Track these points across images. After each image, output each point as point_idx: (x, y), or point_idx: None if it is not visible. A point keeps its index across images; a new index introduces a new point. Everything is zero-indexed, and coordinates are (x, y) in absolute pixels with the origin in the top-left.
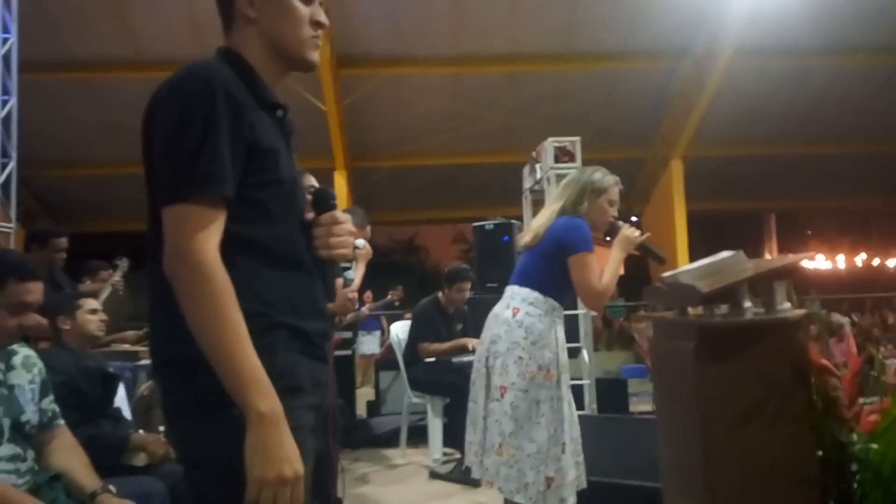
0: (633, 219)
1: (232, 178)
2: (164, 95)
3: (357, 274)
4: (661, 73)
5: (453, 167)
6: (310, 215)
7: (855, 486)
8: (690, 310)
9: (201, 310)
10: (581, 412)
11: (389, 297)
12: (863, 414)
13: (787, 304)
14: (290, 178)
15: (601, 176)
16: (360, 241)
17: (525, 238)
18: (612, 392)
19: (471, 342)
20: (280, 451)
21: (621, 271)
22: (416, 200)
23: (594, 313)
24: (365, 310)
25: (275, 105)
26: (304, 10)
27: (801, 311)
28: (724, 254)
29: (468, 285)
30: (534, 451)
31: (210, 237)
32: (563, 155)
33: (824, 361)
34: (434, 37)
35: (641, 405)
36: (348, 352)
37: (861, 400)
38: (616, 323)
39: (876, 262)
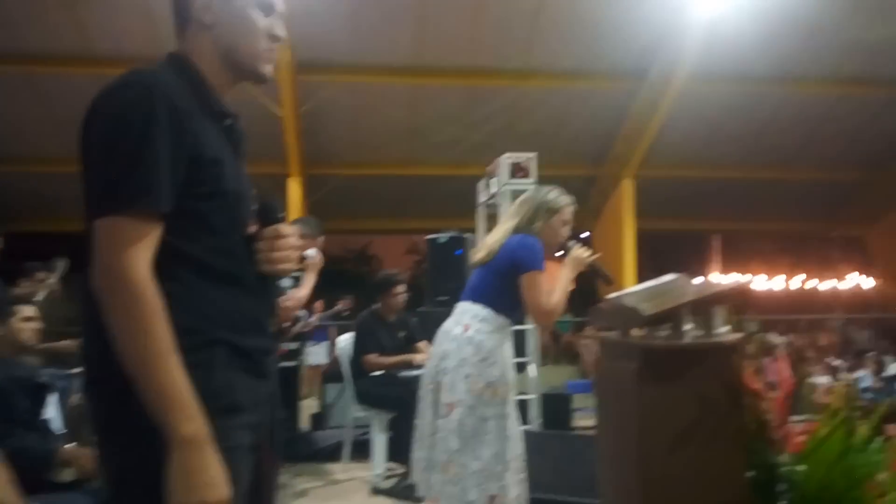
0: (584, 235)
1: (168, 192)
2: (102, 102)
3: (306, 284)
4: (617, 93)
5: (410, 178)
6: (253, 228)
7: None
8: (634, 330)
9: (127, 329)
10: (526, 427)
11: (339, 306)
12: (792, 435)
13: (726, 328)
14: (234, 191)
15: (555, 196)
16: (311, 251)
17: (478, 255)
18: (556, 407)
19: (416, 357)
20: (203, 477)
21: (571, 287)
22: (371, 210)
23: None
24: (313, 319)
25: (223, 114)
26: (263, 22)
27: (737, 335)
28: (668, 276)
29: (401, 288)
30: (478, 468)
31: (141, 253)
32: (518, 170)
33: (757, 385)
34: (396, 46)
35: (585, 420)
36: (294, 363)
37: (793, 418)
38: (563, 338)
39: (811, 284)
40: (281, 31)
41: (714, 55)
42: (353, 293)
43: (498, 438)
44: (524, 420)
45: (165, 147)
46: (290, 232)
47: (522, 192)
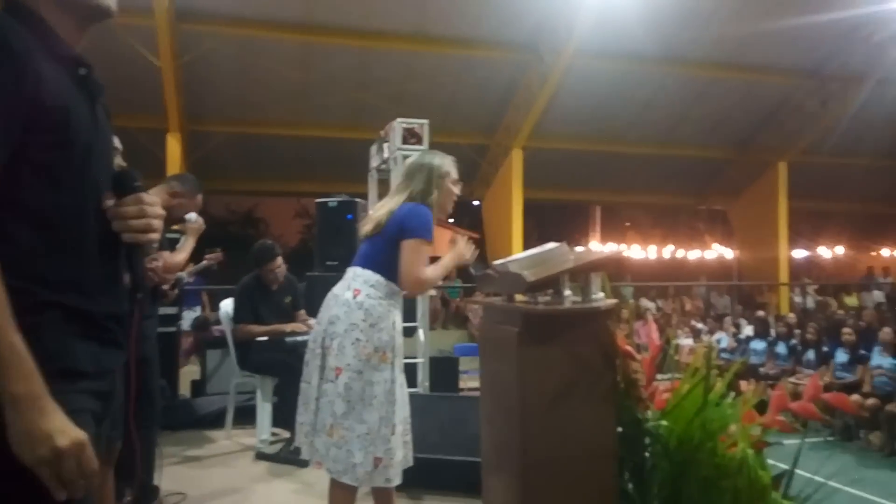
0: (475, 203)
1: (6, 142)
2: None
3: (185, 247)
4: (508, 64)
5: (299, 139)
6: (109, 201)
7: (647, 457)
8: (518, 296)
9: None
10: (413, 390)
11: (205, 261)
12: (657, 393)
13: (601, 294)
14: (84, 143)
15: (441, 160)
16: (192, 215)
17: (366, 227)
18: (444, 369)
19: (287, 327)
20: (45, 427)
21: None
22: (258, 170)
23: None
24: (184, 275)
25: (75, 61)
26: None
27: (611, 301)
28: (550, 245)
29: (278, 261)
30: (364, 431)
31: None
32: (410, 136)
33: (628, 347)
34: (286, 1)
35: (471, 382)
36: (173, 328)
37: (660, 376)
38: (453, 303)
39: (680, 253)
40: None
41: (603, 32)
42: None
43: (385, 402)
44: (412, 383)
45: (4, 90)
46: (152, 200)
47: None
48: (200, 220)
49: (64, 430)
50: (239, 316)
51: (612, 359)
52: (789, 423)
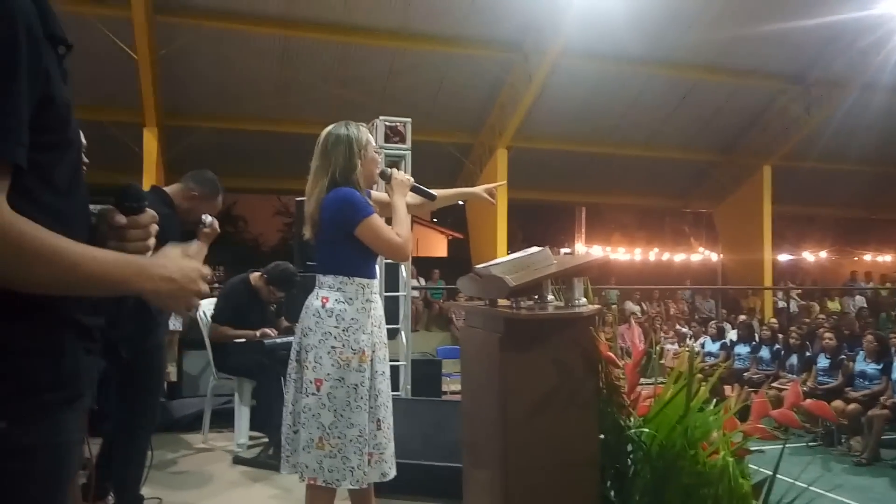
0: (461, 203)
1: (27, 143)
2: None
3: (198, 256)
4: (493, 63)
5: (279, 135)
6: (120, 219)
7: (629, 464)
8: (500, 300)
9: (30, 273)
10: (395, 393)
11: None
12: (640, 398)
13: (584, 300)
14: (77, 142)
15: (356, 129)
16: (207, 217)
17: (307, 231)
18: (426, 373)
19: (259, 333)
20: (159, 274)
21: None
22: (237, 167)
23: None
24: None
25: (62, 40)
26: None
27: (594, 307)
28: (533, 249)
29: (278, 296)
30: (356, 434)
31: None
32: (393, 135)
33: (610, 354)
34: None
35: (454, 385)
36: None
37: (644, 381)
38: (436, 304)
39: (665, 256)
40: None
41: (589, 32)
42: (217, 256)
43: (369, 398)
44: (395, 387)
45: (26, 84)
46: (147, 221)
47: (399, 157)
48: (216, 224)
49: (189, 270)
50: (221, 317)
51: (594, 365)
52: (770, 430)
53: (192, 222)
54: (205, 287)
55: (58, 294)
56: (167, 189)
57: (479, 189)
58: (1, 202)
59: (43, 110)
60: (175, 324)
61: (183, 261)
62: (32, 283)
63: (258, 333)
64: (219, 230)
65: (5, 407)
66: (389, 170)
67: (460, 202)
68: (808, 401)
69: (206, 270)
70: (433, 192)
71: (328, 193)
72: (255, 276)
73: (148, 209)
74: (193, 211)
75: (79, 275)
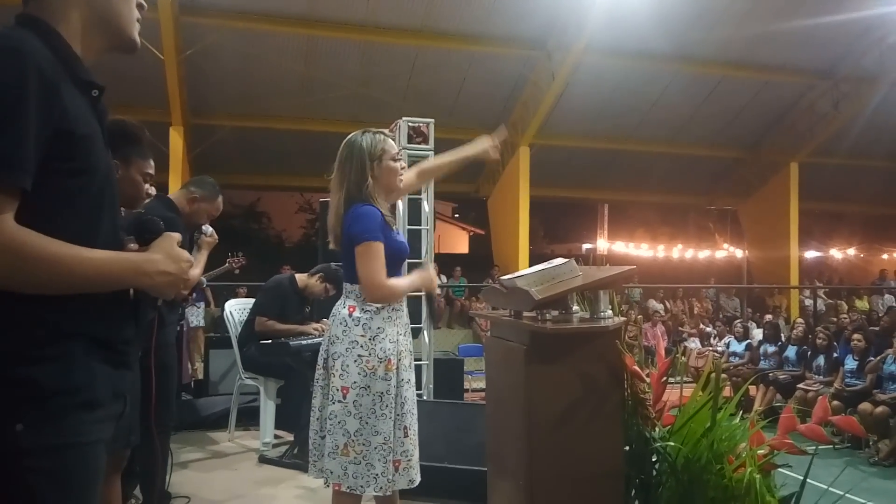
0: (484, 198)
1: (32, 168)
2: None
3: (199, 263)
4: (516, 61)
5: (302, 133)
6: (133, 247)
7: (654, 476)
8: (525, 312)
9: (29, 281)
10: (417, 392)
11: (228, 264)
12: (666, 408)
13: (609, 312)
14: (104, 168)
15: (370, 138)
16: (207, 228)
17: (332, 242)
18: (449, 371)
19: (308, 329)
20: (156, 269)
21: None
22: (261, 165)
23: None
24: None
25: (92, 84)
26: None
27: (620, 319)
28: (558, 261)
29: (333, 292)
30: (381, 441)
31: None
32: (416, 135)
33: (636, 368)
34: None
35: (476, 382)
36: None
37: (670, 379)
38: (457, 302)
39: (689, 254)
40: None
41: (613, 29)
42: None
43: (395, 405)
44: (417, 386)
45: (34, 119)
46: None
47: (422, 157)
48: (215, 235)
49: (176, 257)
50: (265, 310)
51: (620, 378)
52: (798, 447)
53: (195, 225)
54: (194, 272)
55: (62, 293)
56: (171, 196)
57: (479, 146)
58: (6, 218)
59: (61, 142)
60: (197, 321)
61: (173, 252)
62: (37, 286)
63: (312, 327)
64: (217, 240)
65: (20, 410)
66: (430, 264)
67: (481, 196)
68: (836, 417)
69: (191, 258)
70: (432, 160)
71: (348, 209)
72: (302, 277)
73: (168, 233)
74: (197, 213)
75: (79, 275)
